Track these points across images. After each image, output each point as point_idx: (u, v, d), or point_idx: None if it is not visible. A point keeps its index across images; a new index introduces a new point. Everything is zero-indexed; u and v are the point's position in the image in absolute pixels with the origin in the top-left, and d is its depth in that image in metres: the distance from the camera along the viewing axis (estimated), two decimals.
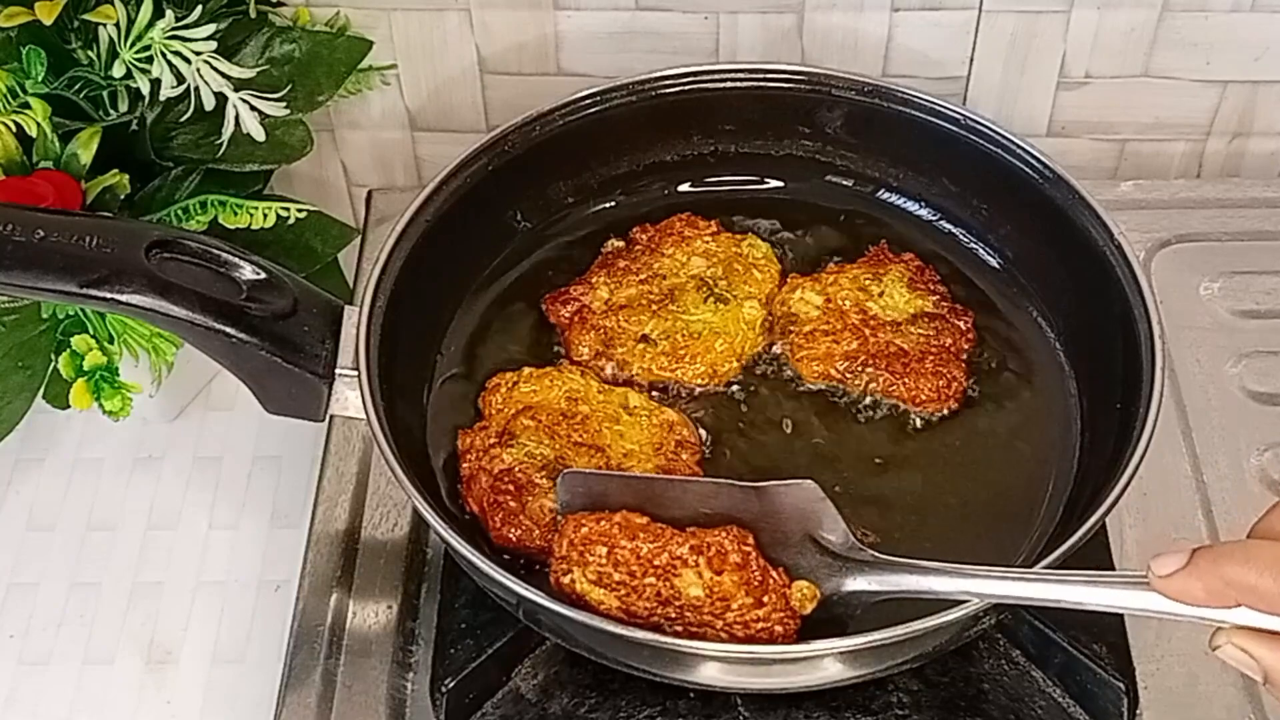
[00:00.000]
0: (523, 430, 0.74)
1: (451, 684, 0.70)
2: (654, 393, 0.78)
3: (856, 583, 0.65)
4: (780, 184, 0.88)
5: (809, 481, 0.66)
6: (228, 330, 0.69)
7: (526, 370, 0.77)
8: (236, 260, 0.71)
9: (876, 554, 0.66)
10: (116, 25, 0.77)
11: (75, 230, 0.68)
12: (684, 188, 0.88)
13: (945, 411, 0.77)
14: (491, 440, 0.74)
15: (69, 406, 0.78)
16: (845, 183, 0.87)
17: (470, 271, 0.83)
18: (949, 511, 0.74)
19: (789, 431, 0.77)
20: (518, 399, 0.76)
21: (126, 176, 0.79)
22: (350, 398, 0.71)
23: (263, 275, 0.71)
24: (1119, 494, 0.66)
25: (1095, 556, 0.74)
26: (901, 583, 0.64)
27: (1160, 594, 0.55)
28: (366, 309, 0.72)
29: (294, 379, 0.71)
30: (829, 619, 0.65)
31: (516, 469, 0.72)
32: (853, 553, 0.66)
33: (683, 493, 0.67)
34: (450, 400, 0.78)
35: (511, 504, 0.71)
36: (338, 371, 0.71)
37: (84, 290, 0.67)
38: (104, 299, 0.67)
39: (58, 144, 0.77)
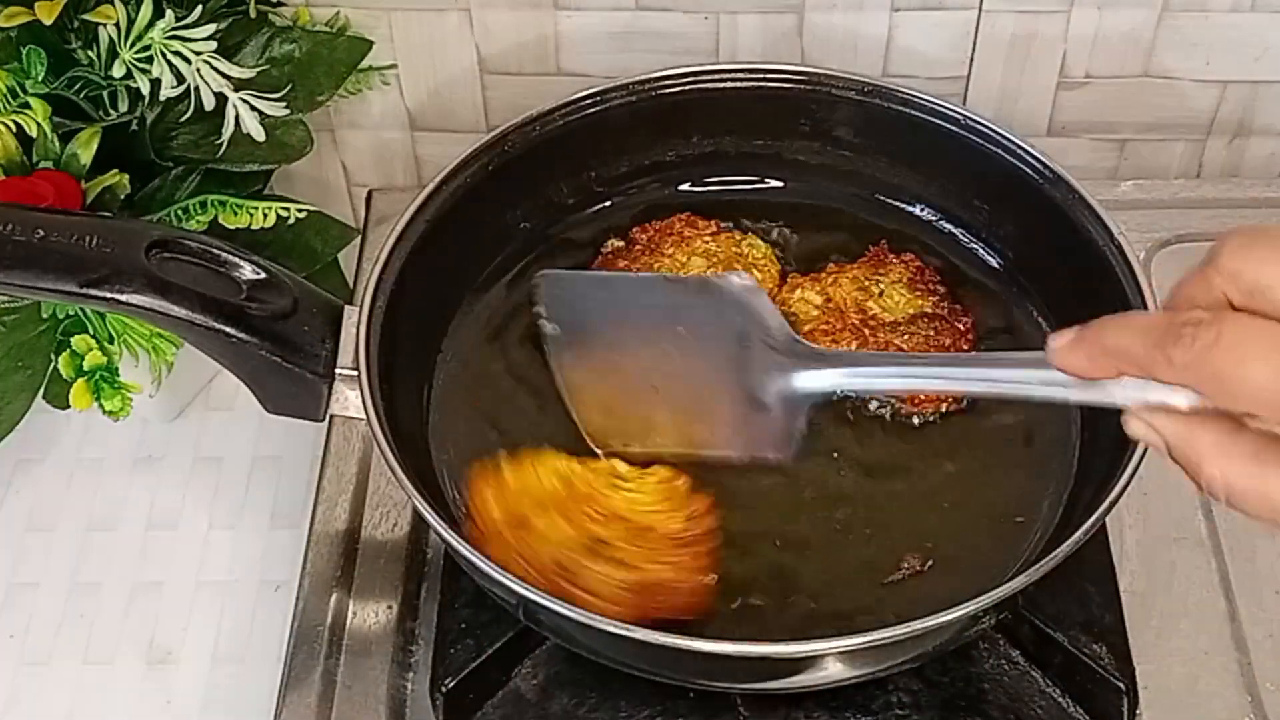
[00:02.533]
0: (539, 521, 0.70)
1: (451, 684, 0.70)
2: None
3: (801, 379, 0.67)
4: (780, 184, 0.88)
5: (741, 273, 0.69)
6: (227, 330, 0.69)
7: (502, 464, 0.72)
8: (236, 260, 0.71)
9: (815, 346, 0.69)
10: (116, 25, 0.77)
11: (75, 230, 0.68)
12: (684, 187, 0.88)
13: (944, 411, 0.77)
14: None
15: (69, 406, 0.78)
16: (844, 183, 0.87)
17: (470, 271, 0.83)
18: (948, 511, 0.73)
19: None
20: (511, 504, 0.71)
21: (126, 176, 0.79)
22: (350, 397, 0.71)
23: (263, 275, 0.71)
24: (1119, 494, 0.66)
25: (1095, 557, 0.74)
26: (842, 376, 0.67)
27: (1057, 368, 0.54)
28: (366, 309, 0.72)
29: (294, 379, 0.71)
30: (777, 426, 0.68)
31: (558, 558, 0.69)
32: (796, 348, 0.68)
33: (637, 287, 0.76)
34: (450, 400, 0.78)
35: (570, 587, 0.67)
36: (337, 371, 0.71)
37: (84, 290, 0.67)
38: (104, 298, 0.67)
39: (58, 144, 0.77)
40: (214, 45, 0.78)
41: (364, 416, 0.70)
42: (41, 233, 0.67)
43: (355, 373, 0.70)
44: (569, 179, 0.86)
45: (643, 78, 0.83)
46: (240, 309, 0.69)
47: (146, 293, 0.67)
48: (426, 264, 0.77)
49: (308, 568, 0.78)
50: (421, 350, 0.79)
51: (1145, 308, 0.72)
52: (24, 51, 0.78)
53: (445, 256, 0.80)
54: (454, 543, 0.66)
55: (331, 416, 0.73)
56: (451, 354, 0.80)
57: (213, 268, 0.70)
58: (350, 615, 0.76)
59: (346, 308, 0.73)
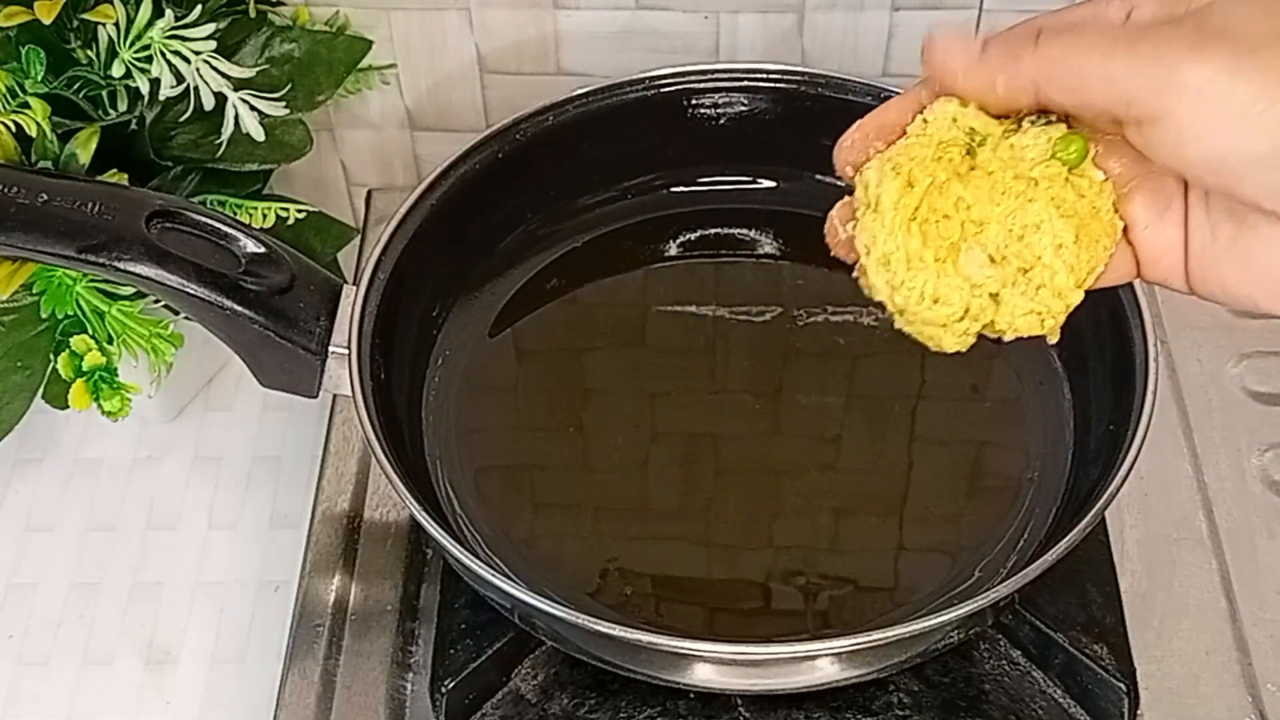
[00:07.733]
0: None
1: (451, 684, 0.70)
2: None
3: None
4: (773, 184, 0.88)
5: None
6: (221, 302, 0.69)
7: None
8: (237, 233, 0.71)
9: None
10: (116, 25, 0.77)
11: (78, 196, 0.69)
12: (676, 189, 0.88)
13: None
14: None
15: (68, 407, 0.78)
16: (838, 183, 0.87)
17: (469, 262, 0.83)
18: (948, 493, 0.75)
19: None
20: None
21: (126, 176, 0.79)
22: (344, 376, 0.71)
23: (263, 249, 0.71)
24: (1115, 491, 0.66)
25: (1096, 557, 0.74)
26: None
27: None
28: (365, 285, 0.73)
29: (286, 354, 0.71)
30: None
31: None
32: None
33: None
34: (446, 394, 0.78)
35: None
36: (331, 349, 0.71)
37: (82, 255, 0.67)
38: (101, 264, 0.67)
39: (57, 144, 0.77)
40: (213, 45, 0.78)
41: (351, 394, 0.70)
42: (45, 196, 0.68)
43: (347, 350, 0.70)
44: (565, 177, 0.85)
45: (640, 76, 0.83)
46: (236, 282, 0.69)
47: (144, 261, 0.68)
48: (427, 250, 0.77)
49: (307, 568, 0.78)
50: (420, 339, 0.79)
51: (1138, 300, 0.72)
52: (23, 51, 0.78)
53: (445, 244, 0.79)
54: (442, 539, 0.65)
55: (331, 419, 0.73)
56: (449, 345, 0.80)
57: (213, 240, 0.70)
58: (350, 616, 0.76)
59: (346, 287, 0.73)
